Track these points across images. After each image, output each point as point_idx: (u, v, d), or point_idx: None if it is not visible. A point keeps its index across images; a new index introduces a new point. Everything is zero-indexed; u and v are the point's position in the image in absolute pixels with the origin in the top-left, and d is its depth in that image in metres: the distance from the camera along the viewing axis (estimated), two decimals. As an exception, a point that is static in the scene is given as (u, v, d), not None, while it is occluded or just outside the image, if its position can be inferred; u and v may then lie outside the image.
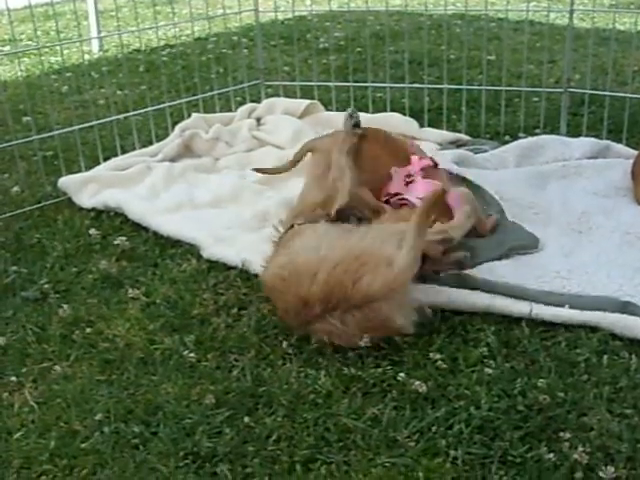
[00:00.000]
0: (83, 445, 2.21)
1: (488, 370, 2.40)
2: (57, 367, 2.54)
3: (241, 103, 4.69)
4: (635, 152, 3.70)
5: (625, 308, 2.64)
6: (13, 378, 2.51)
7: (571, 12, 4.22)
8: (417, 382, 2.34)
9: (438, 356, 2.47)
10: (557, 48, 5.45)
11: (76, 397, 2.39)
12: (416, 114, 4.41)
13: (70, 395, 2.40)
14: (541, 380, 2.35)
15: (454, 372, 2.42)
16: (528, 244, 3.06)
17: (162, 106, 4.37)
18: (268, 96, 4.78)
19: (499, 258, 2.99)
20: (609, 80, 4.47)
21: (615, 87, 4.62)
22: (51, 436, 2.24)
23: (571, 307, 2.66)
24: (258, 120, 4.44)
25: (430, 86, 4.62)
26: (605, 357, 2.45)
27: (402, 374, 2.39)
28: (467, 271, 2.88)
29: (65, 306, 2.86)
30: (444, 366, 2.43)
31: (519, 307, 2.66)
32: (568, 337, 2.56)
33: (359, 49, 5.81)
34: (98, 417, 2.30)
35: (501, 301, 2.70)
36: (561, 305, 2.67)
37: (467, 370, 2.42)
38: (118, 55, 6.06)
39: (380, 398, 2.33)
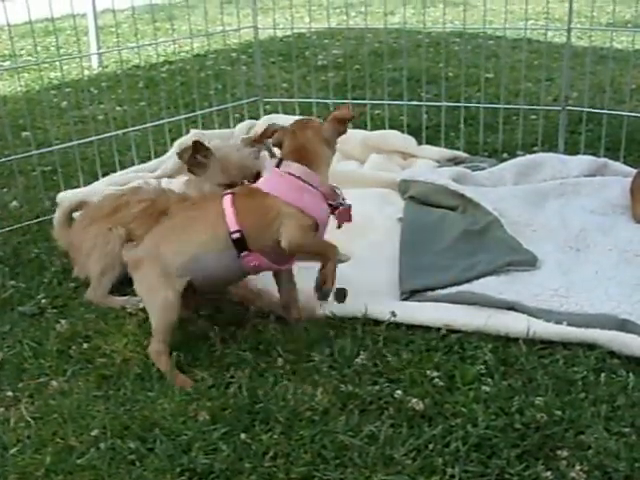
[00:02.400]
0: (79, 461, 2.20)
1: (485, 388, 2.40)
2: (54, 382, 2.53)
3: (240, 119, 4.70)
4: (633, 170, 3.72)
5: (623, 326, 2.64)
6: (9, 393, 2.50)
7: (569, 30, 4.24)
8: (414, 400, 2.34)
9: (435, 373, 2.46)
10: (555, 66, 5.47)
11: (72, 413, 2.38)
12: (414, 131, 4.43)
13: (66, 410, 2.39)
14: (538, 398, 2.34)
15: (451, 390, 2.41)
16: (526, 261, 3.06)
17: (161, 122, 4.38)
18: (267, 112, 4.80)
19: (496, 273, 2.99)
20: (607, 98, 4.49)
21: (613, 105, 4.64)
22: (47, 452, 2.23)
23: (569, 325, 2.66)
24: (256, 136, 4.44)
25: (428, 103, 4.64)
26: (603, 375, 2.44)
27: (399, 391, 2.38)
28: (464, 287, 2.89)
29: (62, 321, 2.85)
30: (441, 384, 2.43)
31: (517, 326, 2.65)
32: (566, 355, 2.55)
33: (358, 66, 5.84)
34: (94, 433, 2.29)
35: (498, 319, 2.70)
36: (559, 323, 2.66)
37: (464, 388, 2.41)
38: (117, 71, 6.09)
39: (377, 415, 2.32)
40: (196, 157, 2.93)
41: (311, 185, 2.63)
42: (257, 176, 2.89)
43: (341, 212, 2.71)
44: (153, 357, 2.56)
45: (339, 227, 2.74)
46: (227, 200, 2.61)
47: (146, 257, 2.60)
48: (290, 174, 2.63)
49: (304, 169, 2.64)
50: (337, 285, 2.69)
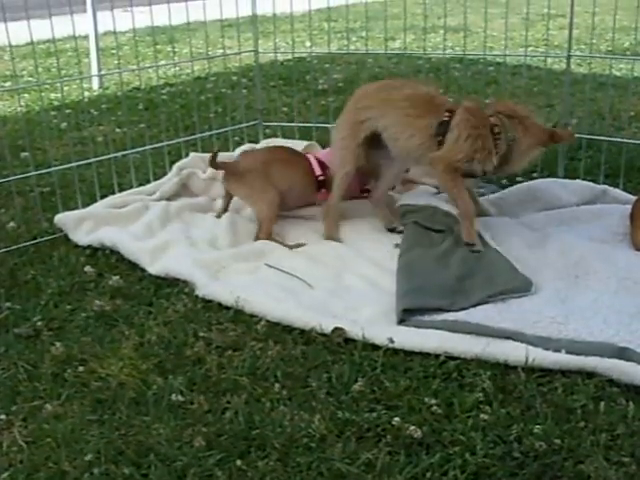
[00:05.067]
0: (72, 487, 2.17)
1: (484, 416, 2.38)
2: (48, 406, 2.51)
3: (239, 143, 4.71)
4: (632, 197, 3.72)
5: (622, 354, 2.62)
6: (2, 416, 2.47)
7: (568, 57, 4.26)
8: (412, 427, 2.32)
9: (433, 401, 2.45)
10: (555, 93, 5.49)
11: (66, 437, 2.36)
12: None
13: (60, 435, 2.37)
14: (537, 426, 2.33)
15: (449, 417, 2.39)
16: (520, 287, 3.05)
17: (160, 145, 4.38)
18: (266, 136, 4.80)
19: (492, 301, 2.98)
20: (606, 125, 4.50)
21: (612, 132, 4.65)
22: (40, 477, 2.21)
23: (567, 352, 2.64)
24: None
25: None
26: (602, 404, 2.43)
27: (397, 419, 2.36)
28: (461, 316, 2.88)
29: (58, 344, 2.83)
30: (439, 411, 2.41)
31: (515, 353, 2.63)
32: (565, 383, 2.54)
33: (358, 91, 5.83)
34: (88, 458, 2.27)
35: (497, 347, 2.68)
36: (558, 350, 2.65)
37: (462, 415, 2.39)
38: (118, 93, 6.10)
39: (374, 443, 2.30)
40: None
41: None
42: None
43: None
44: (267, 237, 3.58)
45: None
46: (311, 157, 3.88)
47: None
48: None
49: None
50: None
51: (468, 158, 3.35)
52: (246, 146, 4.55)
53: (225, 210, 3.84)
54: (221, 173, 3.79)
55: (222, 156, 3.82)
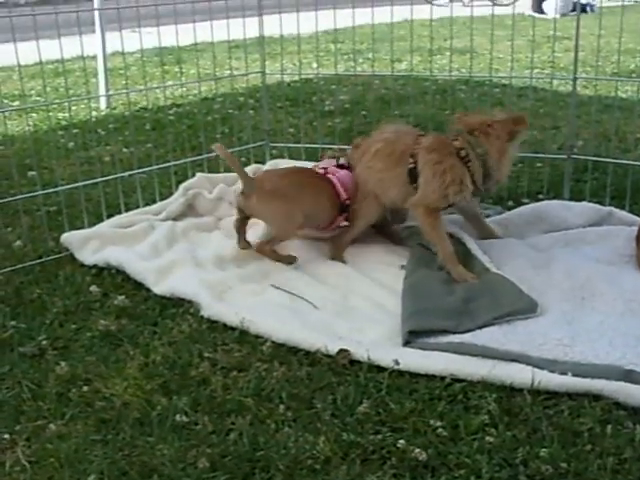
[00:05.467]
0: (75, 507, 2.16)
1: (489, 438, 2.37)
2: (52, 425, 2.50)
3: (246, 164, 4.70)
4: (638, 219, 3.71)
5: (628, 376, 2.61)
6: (6, 436, 2.47)
7: (574, 80, 4.27)
8: (417, 449, 2.30)
9: (439, 423, 2.43)
10: (560, 114, 5.50)
11: (70, 457, 2.35)
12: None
13: (64, 455, 2.36)
14: (543, 450, 2.31)
15: (455, 440, 2.38)
16: (526, 308, 3.04)
17: (167, 165, 4.39)
18: (273, 157, 4.81)
19: (498, 322, 2.97)
20: (612, 147, 4.50)
21: (618, 154, 4.66)
22: (42, 497, 2.20)
23: (574, 375, 2.63)
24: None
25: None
26: (609, 427, 2.41)
27: (402, 441, 2.35)
28: (467, 338, 2.87)
29: (63, 363, 2.83)
30: (445, 433, 2.39)
31: (521, 376, 2.62)
32: (571, 406, 2.52)
33: (364, 112, 5.87)
34: (92, 478, 2.26)
35: (503, 369, 2.67)
36: (564, 373, 2.64)
37: (468, 438, 2.38)
38: (125, 113, 6.13)
39: (379, 465, 2.28)
40: None
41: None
42: None
43: None
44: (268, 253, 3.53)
45: None
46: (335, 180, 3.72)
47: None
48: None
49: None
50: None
51: (442, 195, 3.38)
52: (253, 167, 4.55)
53: (243, 235, 3.66)
54: (235, 192, 3.72)
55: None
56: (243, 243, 3.64)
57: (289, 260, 3.52)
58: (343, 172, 3.75)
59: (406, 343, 2.90)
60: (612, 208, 3.94)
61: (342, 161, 3.83)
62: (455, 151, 3.39)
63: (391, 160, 3.55)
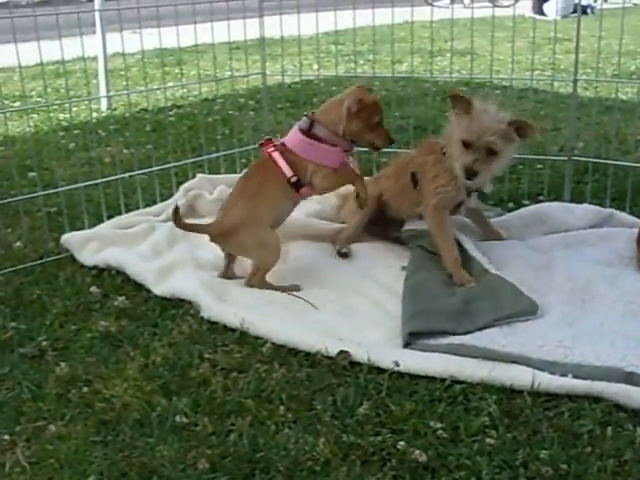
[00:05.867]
0: (75, 508, 2.16)
1: (490, 440, 2.36)
2: (51, 426, 2.50)
3: (246, 165, 4.71)
4: (638, 220, 3.71)
5: (629, 378, 2.60)
6: (6, 437, 2.47)
7: (575, 81, 4.27)
8: (417, 451, 2.30)
9: (439, 425, 2.43)
10: (561, 116, 5.50)
11: (70, 458, 2.35)
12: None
13: (63, 456, 2.36)
14: (544, 451, 2.31)
15: (455, 441, 2.38)
16: (526, 310, 3.04)
17: (167, 166, 4.39)
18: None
19: (499, 324, 2.97)
20: (612, 148, 4.50)
21: (618, 156, 4.66)
22: (42, 498, 2.20)
23: (574, 377, 2.63)
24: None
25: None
26: (609, 429, 2.41)
27: (402, 442, 2.35)
28: (467, 339, 2.87)
29: (63, 364, 2.83)
30: (445, 435, 2.39)
31: (522, 377, 2.62)
32: (571, 407, 2.52)
33: (365, 113, 5.85)
34: (91, 479, 2.26)
35: (503, 371, 2.67)
36: (564, 375, 2.63)
37: (468, 440, 2.38)
38: (126, 114, 6.13)
39: (379, 467, 2.28)
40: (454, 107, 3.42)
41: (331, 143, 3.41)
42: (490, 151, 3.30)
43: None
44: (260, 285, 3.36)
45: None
46: (276, 155, 3.44)
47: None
48: (314, 135, 3.43)
49: (327, 131, 3.42)
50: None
51: (440, 196, 3.46)
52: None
53: (231, 266, 3.52)
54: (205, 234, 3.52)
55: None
56: (229, 272, 3.51)
57: (291, 289, 3.36)
58: (291, 136, 3.50)
59: (406, 344, 2.90)
60: (612, 210, 3.94)
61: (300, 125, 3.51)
62: (442, 152, 3.48)
63: (397, 172, 3.73)
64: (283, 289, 3.34)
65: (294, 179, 3.41)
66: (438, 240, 3.45)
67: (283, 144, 3.47)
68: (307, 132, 3.44)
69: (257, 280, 3.37)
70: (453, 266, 3.36)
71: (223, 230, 3.40)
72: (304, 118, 3.48)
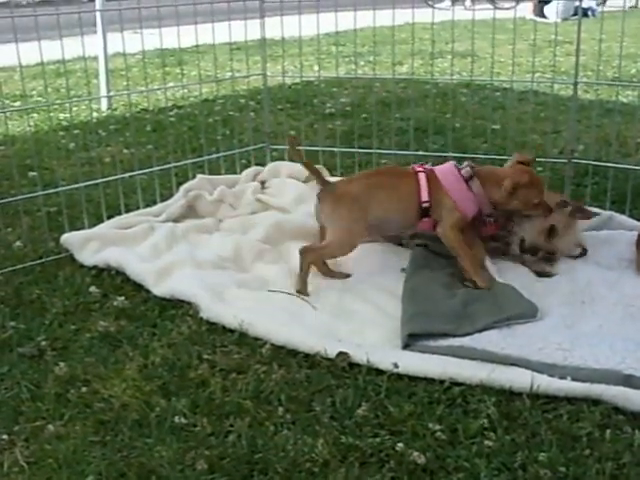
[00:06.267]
0: (73, 509, 2.16)
1: (488, 442, 2.36)
2: (50, 426, 2.50)
3: (246, 166, 4.72)
4: (638, 223, 3.71)
5: (628, 381, 2.60)
6: (5, 436, 2.46)
7: (575, 84, 4.27)
8: (416, 453, 2.30)
9: (437, 427, 2.43)
10: (561, 119, 5.50)
11: (68, 458, 2.35)
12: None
13: (62, 456, 2.35)
14: (542, 454, 2.31)
15: (453, 443, 2.38)
16: (526, 313, 3.04)
17: (167, 166, 4.40)
18: (273, 159, 4.81)
19: (498, 326, 2.97)
20: (613, 151, 4.50)
21: (619, 158, 4.66)
22: (40, 498, 2.20)
23: (573, 379, 2.63)
24: (262, 183, 4.46)
25: (435, 154, 4.65)
26: (608, 431, 2.41)
27: (400, 444, 2.35)
28: (466, 341, 2.87)
29: (62, 364, 2.83)
30: (443, 437, 2.39)
31: (520, 380, 2.62)
32: (570, 410, 2.52)
33: (365, 115, 5.88)
34: (90, 479, 2.25)
35: (502, 373, 2.67)
36: (563, 377, 2.64)
37: (467, 442, 2.38)
38: (126, 114, 6.13)
39: (378, 468, 2.28)
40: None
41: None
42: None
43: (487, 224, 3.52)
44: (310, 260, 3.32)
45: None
46: (422, 176, 3.40)
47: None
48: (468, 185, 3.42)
49: (481, 192, 3.41)
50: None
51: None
52: (253, 168, 4.54)
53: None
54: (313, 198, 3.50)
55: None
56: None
57: (342, 276, 3.40)
58: (444, 167, 3.50)
59: (405, 346, 2.90)
60: (612, 213, 3.94)
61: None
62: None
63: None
64: (332, 274, 3.39)
65: (426, 204, 3.36)
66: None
67: (432, 170, 3.46)
68: (463, 178, 3.42)
69: (314, 255, 3.34)
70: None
71: (335, 192, 3.35)
72: (467, 168, 3.44)
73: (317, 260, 3.39)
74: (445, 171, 3.45)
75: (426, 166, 3.49)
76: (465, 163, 3.49)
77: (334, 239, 3.33)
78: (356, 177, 3.56)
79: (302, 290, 3.30)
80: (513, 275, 3.35)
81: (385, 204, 3.37)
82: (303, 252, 3.33)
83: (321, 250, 3.37)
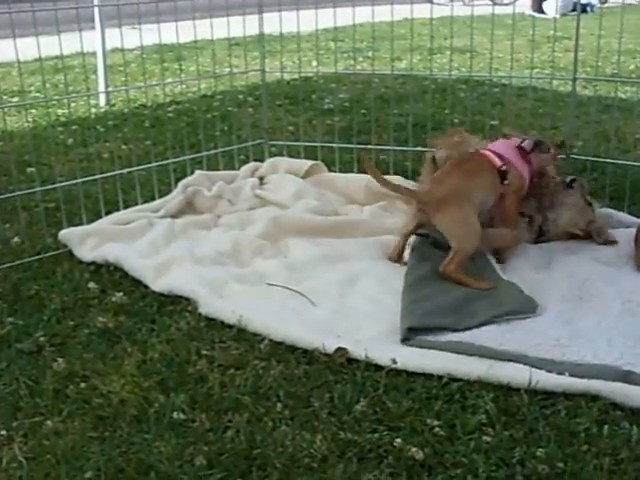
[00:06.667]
0: (71, 504, 2.16)
1: (486, 438, 2.37)
2: (49, 422, 2.50)
3: (245, 161, 4.71)
4: (636, 220, 3.71)
5: (626, 377, 2.61)
6: (3, 432, 2.47)
7: (574, 80, 4.27)
8: (414, 448, 2.30)
9: (436, 422, 2.43)
10: (560, 115, 5.50)
11: (67, 454, 2.35)
12: (418, 177, 4.42)
13: (60, 451, 2.36)
14: (540, 449, 2.32)
15: (451, 439, 2.38)
16: (526, 309, 3.04)
17: (166, 162, 4.39)
18: (272, 155, 4.81)
19: (497, 321, 2.97)
20: (611, 147, 4.50)
21: (617, 154, 4.65)
22: (39, 494, 2.20)
23: (571, 375, 2.63)
24: (261, 179, 4.46)
25: (434, 149, 4.64)
26: (606, 427, 2.41)
27: (399, 440, 2.35)
28: (465, 337, 2.87)
29: (60, 360, 2.83)
30: (441, 433, 2.39)
31: (519, 376, 2.63)
32: (568, 406, 2.52)
33: (364, 111, 5.87)
34: (88, 475, 2.26)
35: (500, 368, 2.67)
36: (561, 373, 2.64)
37: (465, 437, 2.38)
38: (124, 110, 6.12)
39: (376, 464, 2.29)
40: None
41: None
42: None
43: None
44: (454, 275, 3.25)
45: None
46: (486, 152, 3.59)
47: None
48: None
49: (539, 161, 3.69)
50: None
51: None
52: (251, 164, 4.53)
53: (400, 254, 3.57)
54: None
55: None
56: (399, 255, 3.56)
57: (484, 287, 3.23)
58: (498, 144, 3.69)
59: (404, 339, 2.90)
60: (611, 210, 3.95)
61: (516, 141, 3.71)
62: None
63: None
64: (477, 285, 3.22)
65: (504, 167, 3.51)
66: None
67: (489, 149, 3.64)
68: (525, 149, 3.64)
69: (454, 265, 3.27)
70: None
71: (435, 198, 3.36)
72: (528, 141, 3.67)
73: (459, 268, 3.28)
74: (501, 146, 3.65)
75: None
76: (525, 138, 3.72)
77: (461, 240, 3.31)
78: (439, 177, 3.52)
79: (483, 286, 3.23)
80: (511, 268, 3.38)
81: (481, 187, 3.47)
82: (445, 273, 3.27)
83: (458, 258, 3.28)
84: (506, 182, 3.51)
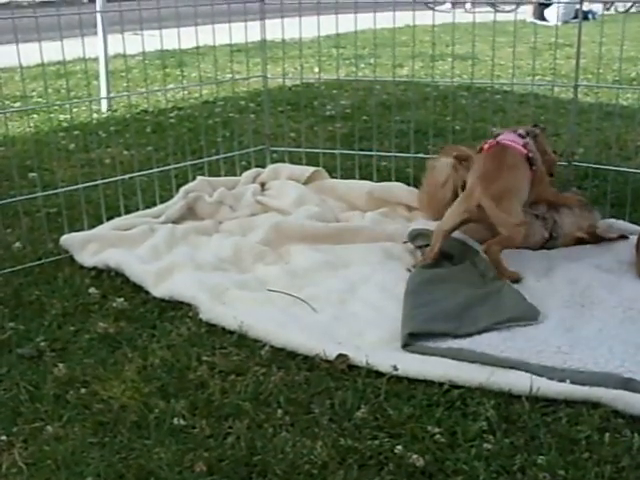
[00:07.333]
0: (71, 510, 2.16)
1: (487, 445, 2.36)
2: (49, 427, 2.49)
3: (246, 167, 4.71)
4: (638, 228, 3.71)
5: (627, 385, 2.60)
6: (3, 437, 2.46)
7: (575, 87, 4.27)
8: (414, 455, 2.30)
9: (436, 429, 2.43)
10: (561, 121, 5.51)
11: (67, 459, 2.34)
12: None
13: (61, 457, 2.35)
14: (541, 457, 2.31)
15: (452, 446, 2.37)
16: (527, 316, 3.04)
17: (167, 168, 4.39)
18: (273, 161, 4.81)
19: (498, 328, 2.97)
20: (613, 154, 4.50)
21: (619, 161, 4.66)
22: (39, 500, 2.20)
23: (572, 382, 2.63)
24: (262, 185, 4.46)
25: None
26: (607, 435, 2.41)
27: (399, 447, 2.34)
28: (466, 344, 2.87)
29: (60, 365, 2.82)
30: (442, 440, 2.39)
31: (520, 383, 2.62)
32: (569, 413, 2.52)
33: (365, 117, 5.87)
34: (88, 481, 2.26)
35: (501, 376, 2.67)
36: (562, 380, 2.63)
37: (466, 444, 2.38)
38: (126, 115, 6.13)
39: (376, 471, 2.28)
40: None
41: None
42: None
43: None
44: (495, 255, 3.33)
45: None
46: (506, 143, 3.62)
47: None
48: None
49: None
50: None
51: None
52: (253, 170, 4.54)
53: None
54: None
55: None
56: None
57: (513, 277, 3.34)
58: (507, 135, 3.72)
59: (405, 345, 2.89)
60: (613, 220, 3.95)
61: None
62: None
63: None
64: (508, 275, 3.32)
65: (531, 154, 3.60)
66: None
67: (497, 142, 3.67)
68: (522, 136, 3.70)
69: (499, 246, 3.34)
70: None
71: (492, 196, 3.36)
72: (520, 130, 3.75)
73: (500, 250, 3.37)
74: (507, 137, 3.70)
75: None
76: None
77: (514, 230, 3.38)
78: (487, 175, 3.48)
79: (513, 276, 3.34)
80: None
81: (524, 178, 3.55)
82: (487, 250, 3.36)
83: (505, 242, 3.38)
84: (534, 167, 3.60)
